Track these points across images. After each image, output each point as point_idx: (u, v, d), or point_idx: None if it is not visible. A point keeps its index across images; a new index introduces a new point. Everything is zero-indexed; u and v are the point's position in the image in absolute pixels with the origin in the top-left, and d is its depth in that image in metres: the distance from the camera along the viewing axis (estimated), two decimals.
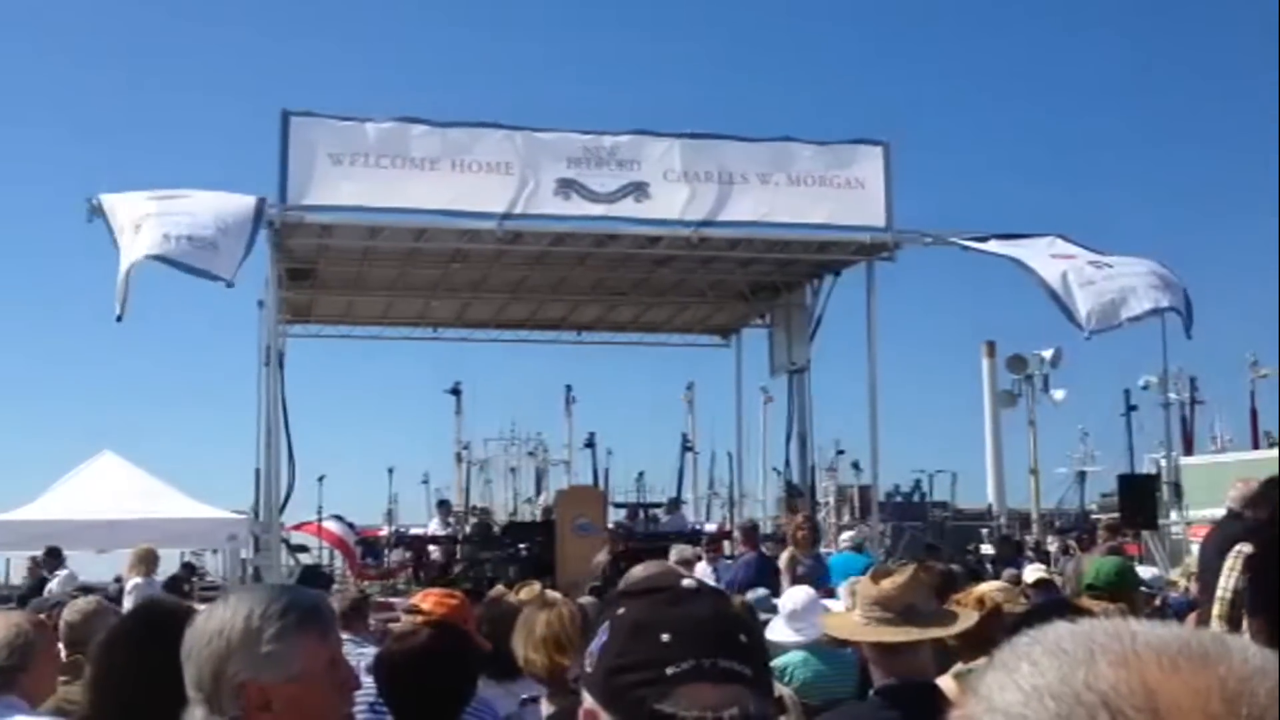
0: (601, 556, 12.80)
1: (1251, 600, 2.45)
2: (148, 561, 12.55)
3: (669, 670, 1.30)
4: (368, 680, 3.97)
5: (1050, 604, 5.27)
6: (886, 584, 3.20)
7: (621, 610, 1.43)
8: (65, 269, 70.01)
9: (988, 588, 4.99)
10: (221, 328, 48.43)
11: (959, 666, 3.95)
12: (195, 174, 70.35)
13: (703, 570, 11.49)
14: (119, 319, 11.92)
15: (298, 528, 19.03)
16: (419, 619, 4.01)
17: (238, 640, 1.95)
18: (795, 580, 9.27)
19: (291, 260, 15.87)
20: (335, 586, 18.32)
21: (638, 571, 3.78)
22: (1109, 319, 14.05)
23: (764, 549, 12.69)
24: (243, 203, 13.31)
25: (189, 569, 20.28)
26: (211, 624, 1.98)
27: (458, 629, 4.13)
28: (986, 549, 24.15)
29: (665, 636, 1.33)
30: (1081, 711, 0.67)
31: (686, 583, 1.45)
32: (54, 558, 13.86)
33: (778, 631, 5.74)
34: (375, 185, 14.63)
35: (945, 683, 3.78)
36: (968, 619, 3.45)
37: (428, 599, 4.96)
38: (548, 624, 3.76)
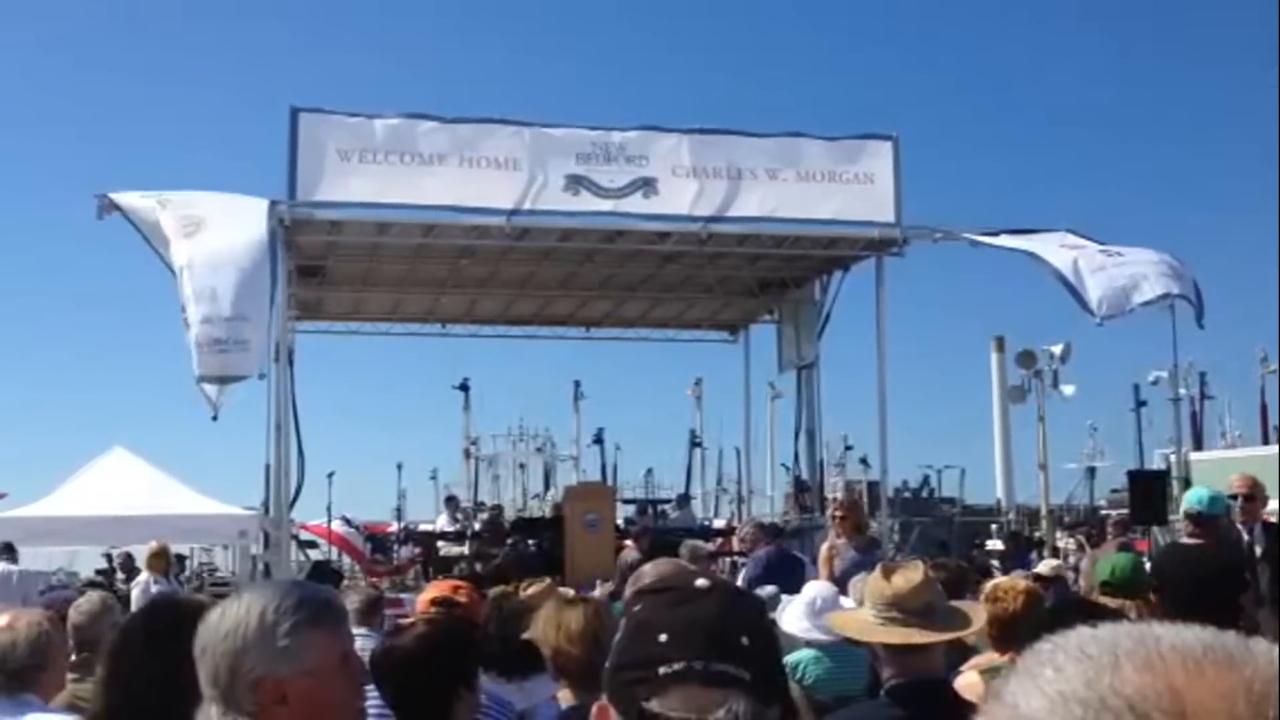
0: (630, 554, 12.73)
1: (1272, 594, 2.42)
2: (161, 558, 12.58)
3: (661, 670, 1.31)
4: None
5: (1068, 604, 5.26)
6: (900, 583, 3.18)
7: (636, 608, 1.44)
8: (76, 265, 70.31)
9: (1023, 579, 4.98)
10: None
11: (990, 657, 3.95)
12: (204, 170, 70.52)
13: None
14: (214, 418, 12.86)
15: (305, 528, 19.06)
16: (455, 610, 4.03)
17: (254, 636, 1.97)
18: (833, 576, 8.65)
19: (301, 257, 15.88)
20: (345, 582, 18.40)
21: (647, 569, 3.77)
22: (1120, 305, 14.02)
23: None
24: (256, 232, 12.91)
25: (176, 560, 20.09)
26: (227, 621, 1.99)
27: (461, 623, 4.15)
28: (995, 544, 24.13)
29: (663, 636, 1.34)
30: (1109, 717, 0.66)
31: (699, 582, 1.46)
32: (6, 552, 13.70)
33: (794, 625, 5.69)
34: (384, 181, 14.63)
35: (971, 677, 3.77)
36: (980, 618, 3.45)
37: (460, 590, 4.99)
38: (586, 618, 3.77)
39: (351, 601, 5.82)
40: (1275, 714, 0.65)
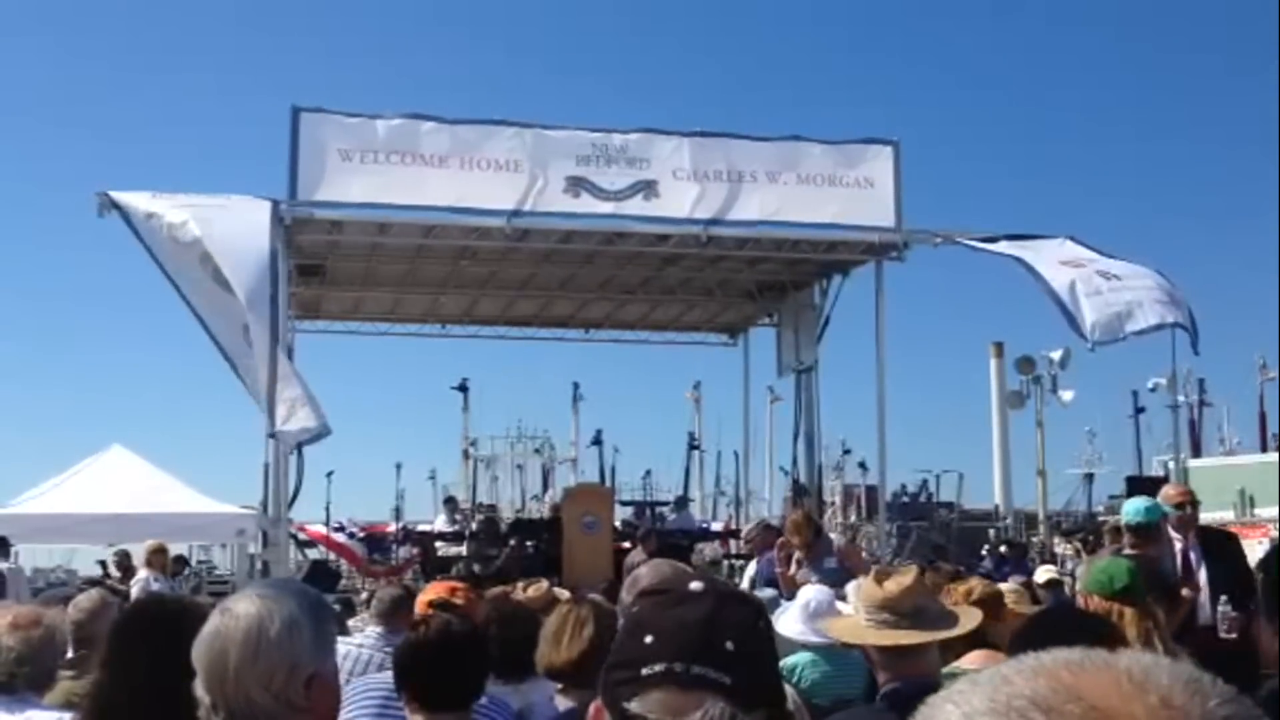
0: (636, 556, 12.74)
1: (1266, 604, 2.41)
2: (160, 556, 12.56)
3: (644, 671, 1.32)
4: (381, 675, 3.98)
5: (1060, 607, 5.27)
6: (891, 586, 3.19)
7: (634, 609, 1.46)
8: (76, 263, 70.35)
9: (977, 583, 4.99)
10: None
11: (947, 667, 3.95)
12: (205, 169, 70.54)
13: (751, 567, 11.32)
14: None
15: (303, 529, 19.02)
16: (453, 615, 4.04)
17: (310, 634, 2.01)
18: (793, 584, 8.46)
19: (301, 256, 15.89)
20: (342, 582, 18.40)
21: (643, 571, 3.78)
22: (1113, 332, 14.12)
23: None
24: (260, 249, 12.75)
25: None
26: (277, 623, 2.00)
27: (473, 619, 4.17)
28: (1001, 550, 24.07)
29: (649, 638, 1.35)
30: (1016, 717, 0.72)
31: (693, 585, 1.46)
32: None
33: (791, 628, 5.69)
34: (385, 182, 14.65)
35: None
36: (973, 619, 3.45)
37: (456, 593, 4.98)
38: (587, 626, 3.81)
39: (379, 599, 5.77)
40: (1157, 691, 0.71)
